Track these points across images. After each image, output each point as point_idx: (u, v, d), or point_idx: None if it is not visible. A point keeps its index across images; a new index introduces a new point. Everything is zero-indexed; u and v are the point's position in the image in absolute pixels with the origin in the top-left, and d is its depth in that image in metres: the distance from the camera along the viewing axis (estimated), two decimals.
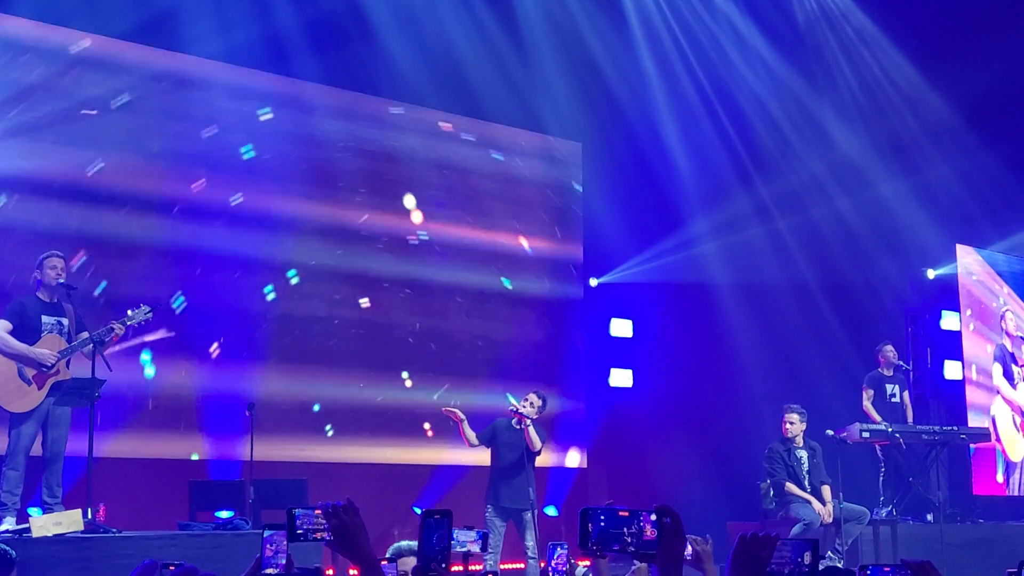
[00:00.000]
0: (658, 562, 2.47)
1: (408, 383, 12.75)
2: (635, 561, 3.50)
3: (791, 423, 10.99)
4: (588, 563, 5.36)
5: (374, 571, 3.00)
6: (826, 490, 10.83)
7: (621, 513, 2.53)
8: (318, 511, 3.23)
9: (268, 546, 3.78)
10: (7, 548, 5.27)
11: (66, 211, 10.50)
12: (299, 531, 3.29)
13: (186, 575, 1.28)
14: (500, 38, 13.10)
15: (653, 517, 2.49)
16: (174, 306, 10.95)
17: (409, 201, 13.03)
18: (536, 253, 14.14)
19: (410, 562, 4.49)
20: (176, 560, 7.56)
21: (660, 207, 14.56)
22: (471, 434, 10.20)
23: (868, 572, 2.97)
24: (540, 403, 10.32)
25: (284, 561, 3.75)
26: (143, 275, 10.85)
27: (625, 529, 2.51)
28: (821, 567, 4.12)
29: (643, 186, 14.44)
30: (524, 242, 14.03)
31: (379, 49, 12.38)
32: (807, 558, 2.92)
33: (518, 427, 10.13)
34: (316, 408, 12.00)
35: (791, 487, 10.78)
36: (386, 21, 12.32)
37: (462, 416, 10.11)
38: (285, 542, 3.72)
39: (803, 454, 10.95)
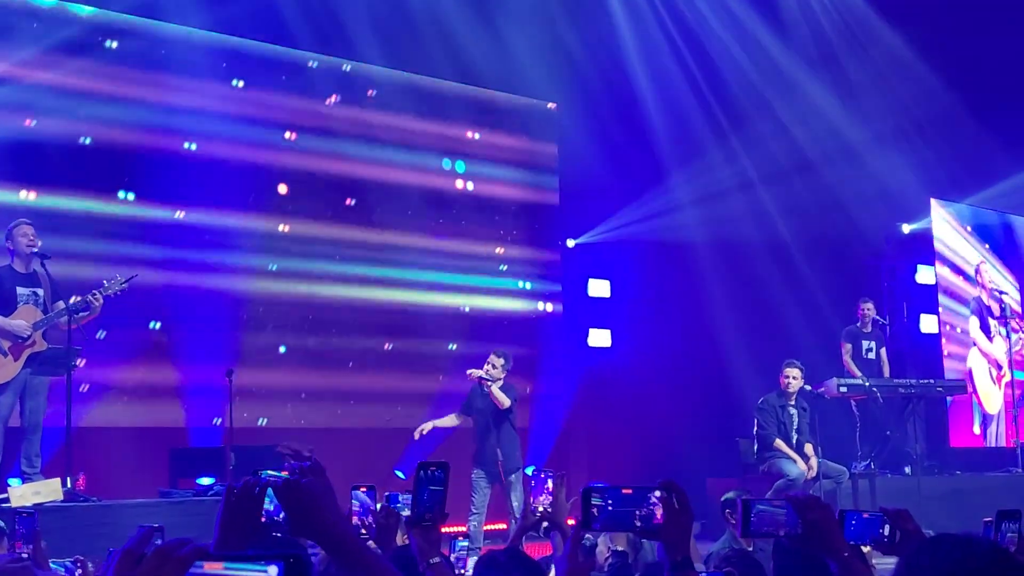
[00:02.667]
0: (666, 539, 2.43)
1: (387, 347, 12.75)
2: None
3: (793, 377, 10.98)
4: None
5: (345, 540, 3.00)
6: (809, 447, 10.90)
7: (625, 491, 2.46)
8: (285, 472, 3.22)
9: None
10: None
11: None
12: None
13: (181, 545, 1.28)
14: None
15: (657, 493, 2.43)
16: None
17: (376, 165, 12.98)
18: (513, 215, 14.10)
19: None
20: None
21: (636, 167, 14.54)
22: (449, 420, 10.51)
23: (845, 517, 2.95)
24: (502, 361, 10.40)
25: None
26: (111, 246, 10.79)
27: (636, 511, 2.44)
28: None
29: (618, 146, 14.40)
30: (501, 204, 13.98)
31: (346, 10, 12.26)
32: (886, 531, 2.93)
33: (485, 392, 10.24)
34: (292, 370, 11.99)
35: (779, 443, 10.82)
36: None
37: (428, 427, 10.42)
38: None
39: (795, 412, 11.00)
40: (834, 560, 2.49)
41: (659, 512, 2.40)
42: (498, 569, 3.36)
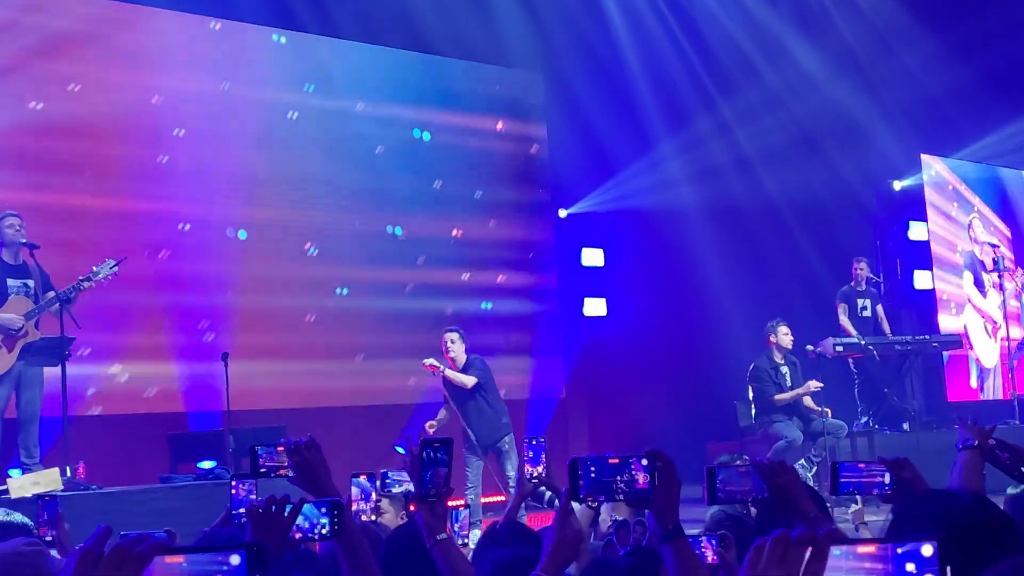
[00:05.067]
0: (655, 508, 2.42)
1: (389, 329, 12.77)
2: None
3: (785, 334, 11.02)
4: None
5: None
6: (808, 399, 10.94)
7: (611, 461, 2.44)
8: (280, 448, 3.24)
9: (241, 486, 3.80)
10: (28, 521, 5.23)
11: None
12: (262, 468, 3.30)
13: (140, 540, 1.26)
14: None
15: (644, 462, 2.41)
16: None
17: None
18: (503, 188, 14.07)
19: (384, 502, 4.51)
20: (158, 513, 7.61)
21: (626, 134, 14.49)
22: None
23: (840, 467, 2.92)
24: (456, 336, 10.31)
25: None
26: (100, 231, 10.77)
27: (618, 478, 2.43)
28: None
29: (607, 113, 14.35)
30: (491, 177, 13.94)
31: None
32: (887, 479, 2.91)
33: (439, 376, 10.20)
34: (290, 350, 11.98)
35: (782, 396, 10.83)
36: None
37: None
38: (252, 485, 3.74)
39: (787, 370, 11.04)
40: (801, 523, 2.48)
41: (642, 478, 2.39)
42: (500, 543, 3.36)
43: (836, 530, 1.50)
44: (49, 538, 4.46)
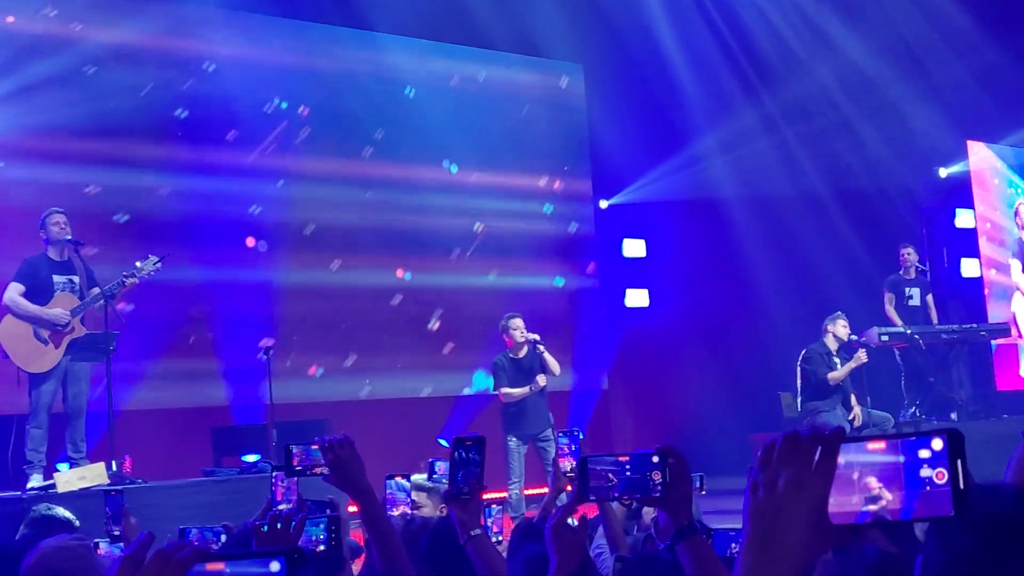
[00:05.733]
0: (667, 505, 2.35)
1: (435, 325, 12.78)
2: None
3: (844, 326, 10.93)
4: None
5: (370, 502, 3.04)
6: (853, 398, 10.86)
7: (621, 458, 2.40)
8: (315, 446, 3.24)
9: (280, 483, 3.80)
10: (70, 516, 5.27)
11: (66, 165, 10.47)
12: (297, 467, 3.31)
13: (181, 547, 1.25)
14: None
15: (656, 459, 2.35)
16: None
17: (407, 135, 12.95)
18: (544, 179, 14.05)
19: (421, 495, 4.51)
20: (202, 507, 7.66)
21: (666, 125, 14.44)
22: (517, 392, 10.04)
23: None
24: (521, 321, 10.14)
25: (295, 499, 3.75)
26: (146, 224, 10.86)
27: (627, 475, 2.37)
28: None
29: (648, 104, 14.31)
30: (531, 169, 13.92)
31: None
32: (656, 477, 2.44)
33: (537, 351, 10.04)
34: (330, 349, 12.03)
35: (835, 374, 10.72)
36: None
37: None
38: (294, 482, 3.74)
39: (838, 361, 10.94)
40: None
41: (656, 477, 2.33)
42: (535, 537, 3.35)
43: (844, 429, 1.49)
44: (116, 532, 4.50)
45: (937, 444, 1.43)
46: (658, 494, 2.33)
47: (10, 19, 10.56)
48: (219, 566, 1.46)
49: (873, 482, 1.44)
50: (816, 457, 1.44)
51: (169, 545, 1.49)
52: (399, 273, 12.71)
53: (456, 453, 2.95)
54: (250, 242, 11.66)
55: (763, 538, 1.44)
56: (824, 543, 1.47)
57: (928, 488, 1.42)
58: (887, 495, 1.44)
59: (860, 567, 2.28)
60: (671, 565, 2.76)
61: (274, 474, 3.87)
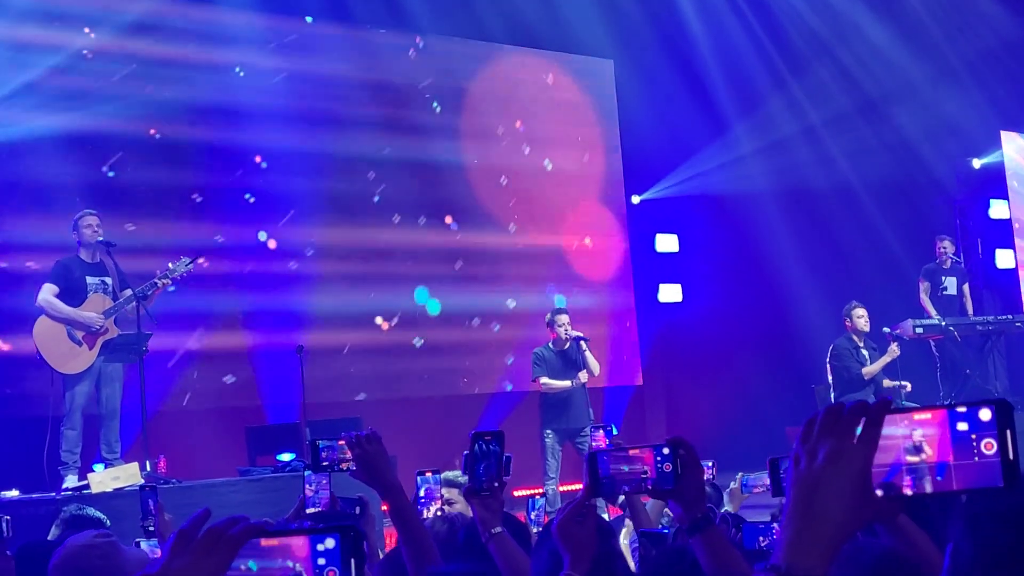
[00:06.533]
0: (680, 497, 2.30)
1: (476, 323, 12.82)
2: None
3: (860, 317, 10.86)
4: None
5: (397, 498, 3.03)
6: (887, 381, 10.80)
7: (632, 452, 2.36)
8: (342, 442, 3.24)
9: (308, 486, 3.80)
10: (101, 516, 5.31)
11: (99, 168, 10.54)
12: (324, 462, 3.31)
13: (233, 522, 1.25)
14: None
15: (666, 451, 2.30)
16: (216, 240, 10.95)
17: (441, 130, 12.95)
18: (576, 174, 14.02)
19: (452, 492, 4.49)
20: (236, 506, 7.69)
21: (697, 119, 14.39)
22: (556, 383, 10.09)
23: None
24: (567, 318, 10.22)
25: (327, 497, 3.76)
26: (176, 225, 10.93)
27: (645, 472, 2.32)
28: None
29: (679, 99, 14.26)
30: (563, 164, 13.90)
31: None
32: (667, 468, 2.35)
33: (581, 348, 10.06)
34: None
35: (869, 369, 10.66)
36: None
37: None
38: (326, 480, 3.74)
39: (867, 353, 10.89)
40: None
41: (667, 469, 2.30)
42: None
43: (890, 400, 1.48)
44: (151, 527, 4.55)
45: (985, 414, 1.42)
46: (670, 486, 2.29)
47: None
48: (274, 543, 1.47)
49: (919, 453, 1.44)
50: (858, 429, 1.44)
51: (222, 521, 1.49)
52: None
53: (476, 446, 2.92)
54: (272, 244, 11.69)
55: (805, 508, 1.44)
56: (867, 514, 1.47)
57: (976, 459, 1.41)
58: (933, 466, 1.43)
59: (858, 567, 2.25)
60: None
61: (306, 474, 3.88)
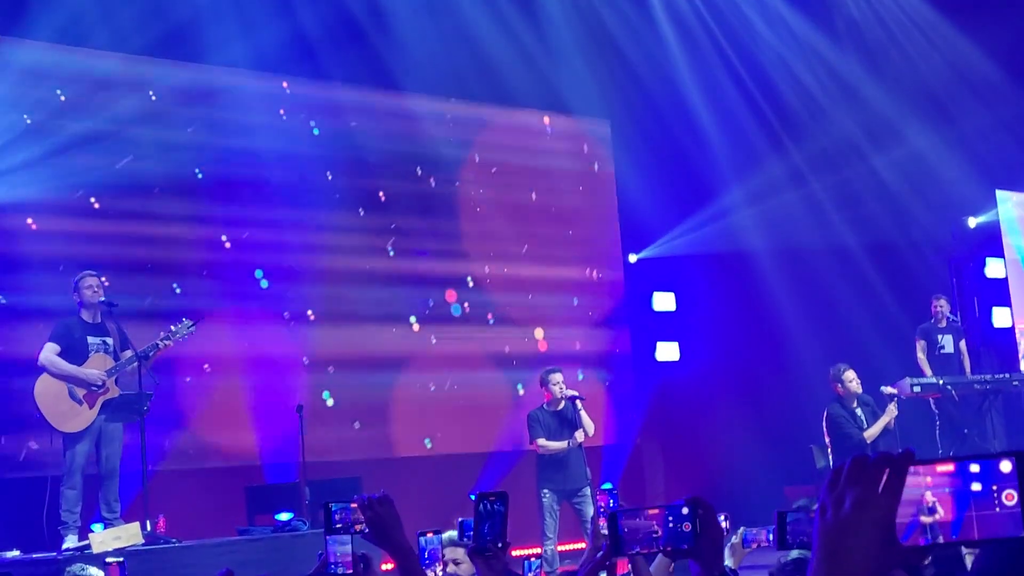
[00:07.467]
0: (700, 557, 2.34)
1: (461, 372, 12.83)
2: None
3: (851, 380, 10.73)
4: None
5: (409, 560, 3.06)
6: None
7: (651, 512, 2.40)
8: (354, 504, 3.26)
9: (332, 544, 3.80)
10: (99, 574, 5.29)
11: (99, 230, 10.59)
12: (337, 524, 3.33)
13: None
14: (518, 20, 13.04)
15: (685, 510, 2.33)
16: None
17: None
18: (572, 233, 14.10)
19: (458, 552, 4.51)
20: (236, 566, 7.66)
21: (693, 178, 14.49)
22: (557, 445, 10.10)
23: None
24: (561, 376, 10.26)
25: (350, 558, 3.76)
26: (173, 287, 10.96)
27: (663, 532, 2.36)
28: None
29: (674, 159, 14.37)
30: (559, 223, 13.98)
31: (397, 42, 12.33)
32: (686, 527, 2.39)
33: (576, 407, 10.07)
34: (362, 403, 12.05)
35: (871, 431, 10.52)
36: (403, 14, 12.29)
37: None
38: (350, 543, 3.73)
39: (861, 412, 10.79)
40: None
41: (687, 528, 2.33)
42: None
43: (914, 452, 1.53)
44: None
45: (1006, 466, 1.45)
46: (689, 545, 2.33)
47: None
48: None
49: (941, 503, 1.47)
50: (883, 479, 1.48)
51: None
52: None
53: (481, 506, 2.96)
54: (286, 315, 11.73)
55: (831, 557, 1.47)
56: (892, 562, 1.49)
57: (998, 509, 1.44)
58: (955, 516, 1.46)
59: None
60: None
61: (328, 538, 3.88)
